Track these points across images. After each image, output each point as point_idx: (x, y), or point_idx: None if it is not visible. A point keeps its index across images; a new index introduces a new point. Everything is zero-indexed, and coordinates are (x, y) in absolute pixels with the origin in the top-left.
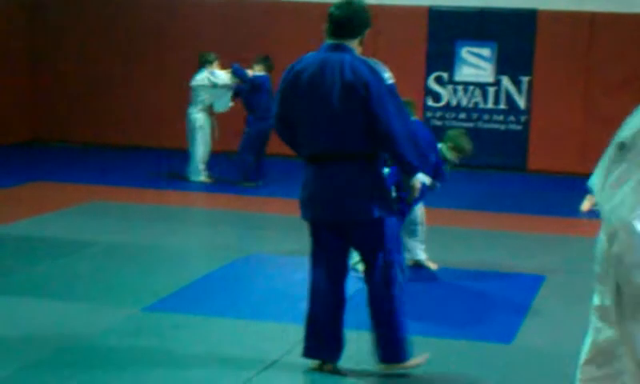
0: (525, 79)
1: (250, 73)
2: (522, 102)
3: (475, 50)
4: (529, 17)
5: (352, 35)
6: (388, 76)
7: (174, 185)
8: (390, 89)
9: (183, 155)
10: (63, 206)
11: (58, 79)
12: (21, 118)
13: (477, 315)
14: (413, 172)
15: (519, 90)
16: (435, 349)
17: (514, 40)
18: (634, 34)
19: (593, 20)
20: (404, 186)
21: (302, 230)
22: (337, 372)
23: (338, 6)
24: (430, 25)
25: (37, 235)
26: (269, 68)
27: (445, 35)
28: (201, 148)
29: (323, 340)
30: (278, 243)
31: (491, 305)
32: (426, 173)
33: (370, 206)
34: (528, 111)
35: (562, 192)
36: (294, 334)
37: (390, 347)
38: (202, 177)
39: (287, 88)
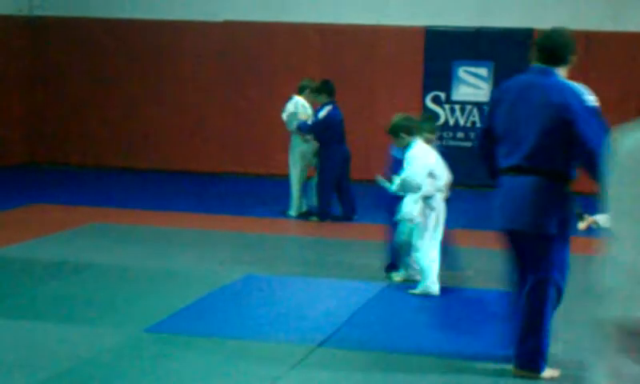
0: None
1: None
2: None
3: (472, 69)
4: (525, 36)
5: (558, 62)
6: (590, 98)
7: (174, 206)
8: (592, 111)
9: (180, 177)
10: (62, 228)
11: (57, 102)
12: (19, 140)
13: (470, 334)
14: None
15: None
16: (434, 367)
17: (511, 59)
18: (629, 52)
19: (588, 38)
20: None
21: (296, 251)
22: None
23: (546, 37)
24: (427, 45)
25: (36, 257)
26: (332, 93)
27: (441, 55)
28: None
29: (514, 343)
30: (274, 264)
31: (483, 323)
32: None
33: (548, 222)
34: None
35: None
36: (293, 353)
37: (530, 356)
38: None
39: (494, 105)
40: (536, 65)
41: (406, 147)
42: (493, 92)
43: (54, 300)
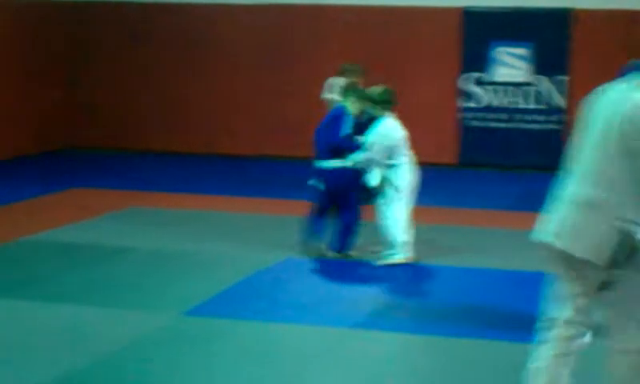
0: (562, 78)
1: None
2: (559, 102)
3: (511, 49)
4: (564, 15)
5: None
6: None
7: (212, 189)
8: None
9: (219, 159)
10: (102, 212)
11: (96, 86)
12: (59, 125)
13: (516, 316)
14: None
15: (557, 90)
16: (474, 350)
17: (550, 39)
18: None
19: (629, 17)
20: None
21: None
22: None
23: None
24: (465, 25)
25: (76, 242)
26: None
27: (480, 36)
28: None
29: None
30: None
31: (531, 305)
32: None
33: None
34: (566, 110)
35: None
36: (331, 335)
37: None
38: None
39: None
40: None
41: (373, 119)
42: None
43: (94, 284)
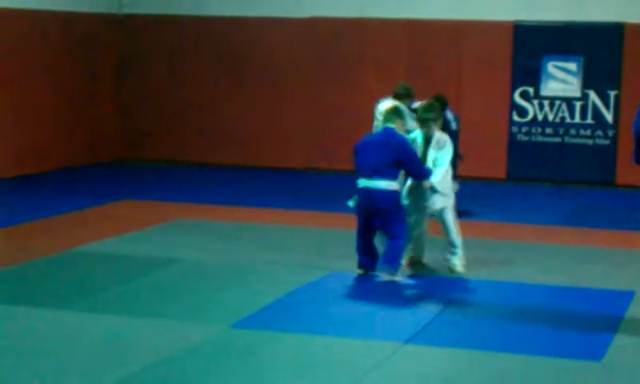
0: (612, 93)
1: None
2: (609, 117)
3: (561, 64)
4: (615, 30)
5: None
6: None
7: (259, 202)
8: None
9: (266, 173)
10: (149, 224)
11: (145, 99)
12: (109, 137)
13: (565, 332)
14: None
15: (607, 105)
16: (524, 366)
17: (601, 54)
18: None
19: None
20: None
21: (381, 248)
22: None
23: None
24: (516, 40)
25: (125, 253)
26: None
27: (530, 50)
28: None
29: None
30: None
31: (580, 321)
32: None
33: None
34: (616, 125)
35: None
36: (380, 350)
37: None
38: None
39: None
40: None
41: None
42: None
43: (141, 295)
